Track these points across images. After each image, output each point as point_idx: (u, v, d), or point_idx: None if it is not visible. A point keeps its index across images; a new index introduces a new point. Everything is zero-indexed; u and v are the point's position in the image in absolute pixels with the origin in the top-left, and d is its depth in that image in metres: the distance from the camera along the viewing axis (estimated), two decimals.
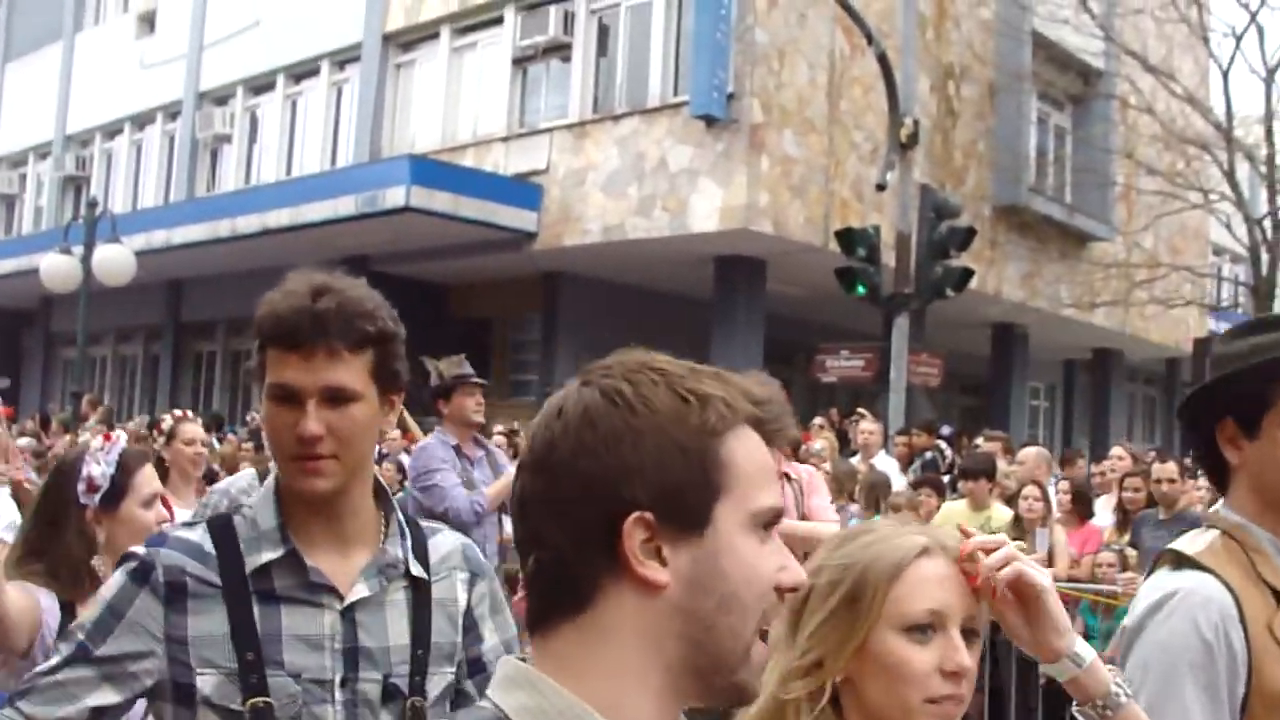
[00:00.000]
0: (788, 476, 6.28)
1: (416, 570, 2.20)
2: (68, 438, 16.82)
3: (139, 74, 25.77)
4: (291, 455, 2.07)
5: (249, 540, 2.10)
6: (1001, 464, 10.58)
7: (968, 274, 14.36)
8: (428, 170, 17.74)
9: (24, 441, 17.81)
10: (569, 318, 19.30)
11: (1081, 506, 9.37)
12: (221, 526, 2.13)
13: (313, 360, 2.04)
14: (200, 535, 2.11)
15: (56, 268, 17.42)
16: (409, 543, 2.21)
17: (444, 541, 2.29)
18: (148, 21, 26.38)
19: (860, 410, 13.40)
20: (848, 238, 14.21)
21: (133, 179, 26.47)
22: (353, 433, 2.07)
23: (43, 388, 28.01)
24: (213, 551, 2.08)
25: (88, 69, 27.54)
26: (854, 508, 10.23)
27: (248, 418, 18.03)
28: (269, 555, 2.08)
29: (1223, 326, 24.95)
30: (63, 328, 25.56)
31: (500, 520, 6.73)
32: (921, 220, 14.38)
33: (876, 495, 10.00)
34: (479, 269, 19.49)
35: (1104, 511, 9.64)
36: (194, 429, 6.42)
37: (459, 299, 20.80)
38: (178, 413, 6.51)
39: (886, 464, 11.21)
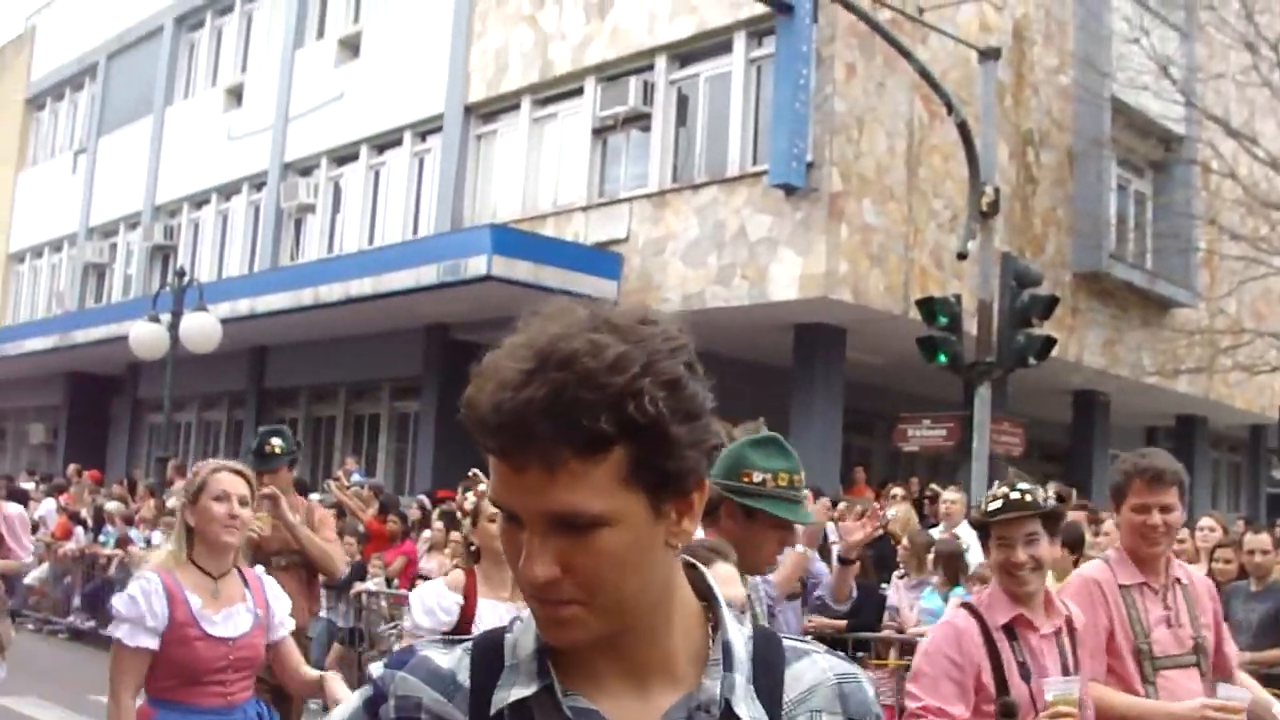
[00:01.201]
0: (1179, 582, 4.50)
1: (749, 713, 1.47)
2: (152, 502, 17.16)
3: (226, 146, 26.33)
4: (526, 594, 1.43)
5: (509, 669, 1.48)
6: (1087, 534, 10.47)
7: (1050, 343, 14.23)
8: (509, 239, 17.91)
9: (112, 506, 18.29)
10: None
11: None
12: (486, 647, 1.52)
13: (525, 475, 1.36)
14: (456, 658, 1.51)
15: (145, 335, 17.85)
16: (743, 674, 1.49)
17: (810, 668, 1.55)
18: (235, 95, 26.99)
19: (933, 486, 13.22)
20: (929, 306, 14.15)
21: (219, 248, 26.97)
22: (598, 572, 1.38)
23: (129, 453, 28.48)
24: (466, 682, 1.48)
25: (177, 141, 28.16)
26: (935, 579, 10.18)
27: (332, 477, 18.07)
28: (520, 692, 1.45)
29: None
30: (149, 394, 26.05)
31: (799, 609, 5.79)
32: (1003, 288, 14.28)
33: (955, 567, 9.94)
34: None
35: None
36: None
37: None
38: (481, 488, 4.76)
39: (970, 534, 11.11)
